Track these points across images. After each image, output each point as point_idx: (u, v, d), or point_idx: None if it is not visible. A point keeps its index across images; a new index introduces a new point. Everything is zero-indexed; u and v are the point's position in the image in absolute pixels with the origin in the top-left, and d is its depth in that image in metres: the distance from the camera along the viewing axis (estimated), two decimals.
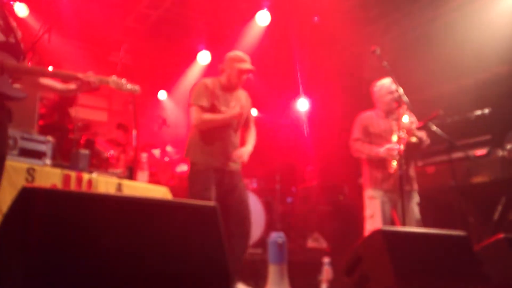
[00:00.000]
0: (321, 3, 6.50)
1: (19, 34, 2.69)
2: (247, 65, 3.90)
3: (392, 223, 4.05)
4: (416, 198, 4.09)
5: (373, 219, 4.04)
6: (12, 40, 2.59)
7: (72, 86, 2.83)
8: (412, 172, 4.14)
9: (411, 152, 4.04)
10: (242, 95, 4.02)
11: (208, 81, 3.88)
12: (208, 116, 3.75)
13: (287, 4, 6.66)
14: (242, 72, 3.86)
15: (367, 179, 4.20)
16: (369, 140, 4.19)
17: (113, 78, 2.95)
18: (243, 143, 3.97)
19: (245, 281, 5.00)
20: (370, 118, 4.26)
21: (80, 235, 1.53)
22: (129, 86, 3.04)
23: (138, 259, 1.62)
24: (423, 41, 6.21)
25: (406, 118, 3.94)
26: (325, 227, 6.30)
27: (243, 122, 4.00)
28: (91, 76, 2.79)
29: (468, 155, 4.18)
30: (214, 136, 3.79)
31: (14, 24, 2.67)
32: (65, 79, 2.88)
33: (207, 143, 3.78)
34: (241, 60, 3.91)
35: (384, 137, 4.13)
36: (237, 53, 3.99)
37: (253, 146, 3.96)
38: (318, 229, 6.45)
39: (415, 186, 4.12)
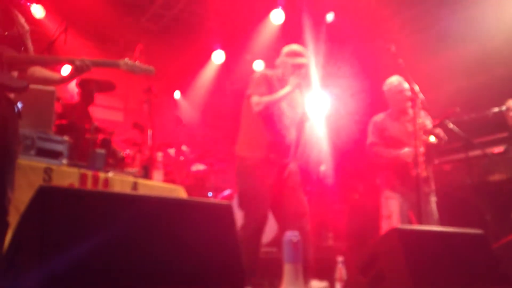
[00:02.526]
0: (336, 0, 6.48)
1: (26, 27, 2.66)
2: (301, 60, 3.75)
3: (410, 224, 4.01)
4: (433, 198, 4.04)
5: (391, 219, 3.99)
6: (13, 32, 2.56)
7: (65, 73, 2.81)
8: (430, 172, 4.09)
9: (430, 152, 3.98)
10: (299, 93, 3.86)
11: (268, 72, 3.82)
12: (267, 97, 3.62)
13: (301, 3, 6.65)
14: (295, 67, 3.72)
15: (385, 181, 4.15)
16: (385, 143, 4.14)
17: (125, 60, 2.88)
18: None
19: (260, 280, 5.01)
20: (384, 120, 4.20)
21: (96, 234, 1.55)
22: (143, 67, 2.96)
23: (152, 257, 1.63)
24: (439, 38, 6.14)
25: (421, 118, 3.88)
26: (340, 226, 6.28)
27: (299, 120, 3.85)
28: (85, 59, 2.71)
29: (485, 153, 4.12)
30: (267, 129, 3.66)
31: (19, 17, 2.65)
32: (61, 63, 2.84)
33: (260, 136, 3.66)
34: (294, 54, 3.77)
35: (400, 140, 4.06)
36: (292, 47, 3.84)
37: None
38: (333, 228, 6.43)
39: (433, 186, 4.07)
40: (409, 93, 3.88)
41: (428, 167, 4.04)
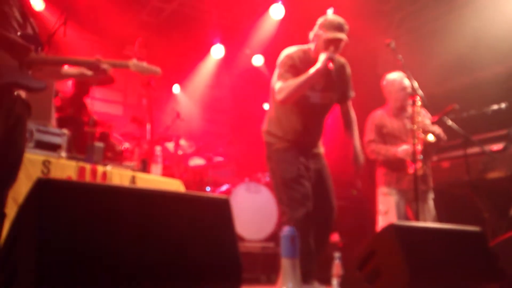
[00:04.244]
0: None
1: (36, 27, 2.72)
2: (337, 34, 3.17)
3: (407, 220, 4.02)
4: (431, 196, 4.05)
5: (388, 215, 4.00)
6: (29, 32, 2.62)
7: (85, 70, 2.85)
8: (428, 170, 4.09)
9: (428, 150, 3.98)
10: (338, 68, 3.38)
11: (296, 54, 3.31)
12: (291, 81, 3.16)
13: None
14: (329, 42, 3.17)
15: (382, 177, 4.15)
16: (383, 140, 4.12)
17: (134, 61, 2.93)
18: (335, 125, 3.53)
19: (258, 275, 5.02)
20: (382, 117, 4.18)
21: (94, 227, 1.55)
22: (150, 68, 2.99)
23: (150, 250, 1.63)
24: (439, 34, 6.14)
25: (421, 116, 3.86)
26: (338, 222, 6.28)
27: (337, 99, 3.46)
28: (103, 61, 2.78)
29: (484, 150, 4.12)
30: (295, 117, 3.32)
31: (29, 15, 2.70)
32: (79, 65, 2.89)
33: (286, 124, 3.34)
34: (331, 26, 3.20)
35: (398, 137, 4.06)
36: (328, 17, 3.30)
37: (358, 139, 3.46)
38: None
39: (431, 184, 4.08)
40: (410, 91, 3.86)
41: (426, 164, 4.04)
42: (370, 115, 4.28)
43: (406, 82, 4.00)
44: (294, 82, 3.17)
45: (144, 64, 2.97)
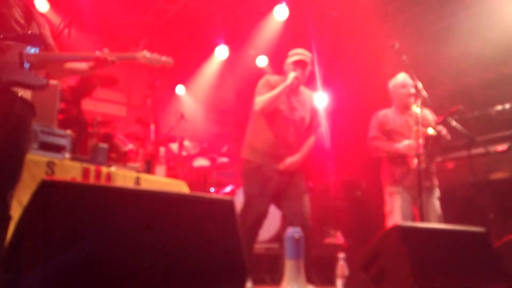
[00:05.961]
0: None
1: (46, 27, 2.71)
2: (297, 56, 3.88)
3: (412, 219, 4.02)
4: (437, 193, 4.04)
5: (392, 215, 4.03)
6: (33, 31, 2.60)
7: (91, 64, 2.79)
8: (431, 167, 4.09)
9: (430, 147, 3.99)
10: (307, 97, 4.04)
11: (272, 78, 3.96)
12: (265, 95, 3.77)
13: None
14: (295, 65, 3.86)
15: (387, 176, 4.17)
16: (386, 137, 4.15)
17: (143, 53, 2.88)
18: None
19: (262, 276, 5.02)
20: (385, 115, 4.23)
21: (99, 228, 1.55)
22: (161, 58, 2.95)
23: (155, 251, 1.63)
24: (443, 36, 6.12)
25: (421, 111, 3.88)
26: (342, 223, 6.27)
27: (306, 125, 3.98)
28: (108, 53, 2.73)
29: (488, 151, 4.11)
30: (270, 133, 3.83)
31: (37, 15, 2.68)
32: (83, 60, 2.84)
33: (262, 140, 3.85)
34: (294, 53, 3.92)
35: (400, 133, 4.09)
36: (295, 50, 3.98)
37: (304, 155, 3.88)
38: (335, 224, 6.43)
39: (436, 182, 4.08)
40: (412, 89, 3.89)
41: (431, 162, 4.05)
42: (374, 114, 4.29)
43: (409, 81, 4.03)
44: (269, 94, 3.78)
45: (155, 55, 2.93)
